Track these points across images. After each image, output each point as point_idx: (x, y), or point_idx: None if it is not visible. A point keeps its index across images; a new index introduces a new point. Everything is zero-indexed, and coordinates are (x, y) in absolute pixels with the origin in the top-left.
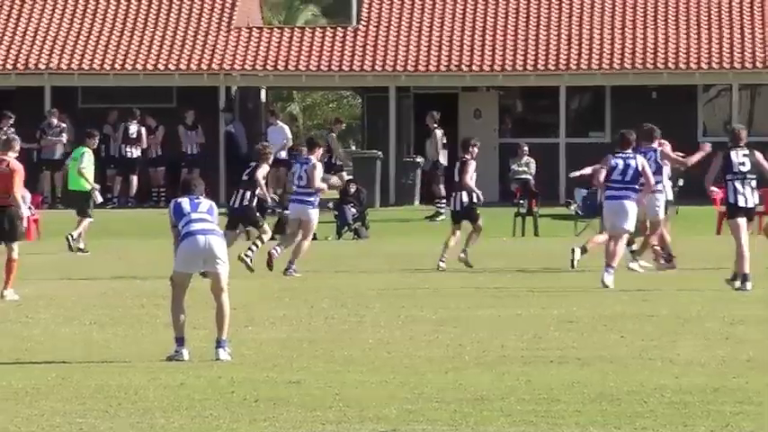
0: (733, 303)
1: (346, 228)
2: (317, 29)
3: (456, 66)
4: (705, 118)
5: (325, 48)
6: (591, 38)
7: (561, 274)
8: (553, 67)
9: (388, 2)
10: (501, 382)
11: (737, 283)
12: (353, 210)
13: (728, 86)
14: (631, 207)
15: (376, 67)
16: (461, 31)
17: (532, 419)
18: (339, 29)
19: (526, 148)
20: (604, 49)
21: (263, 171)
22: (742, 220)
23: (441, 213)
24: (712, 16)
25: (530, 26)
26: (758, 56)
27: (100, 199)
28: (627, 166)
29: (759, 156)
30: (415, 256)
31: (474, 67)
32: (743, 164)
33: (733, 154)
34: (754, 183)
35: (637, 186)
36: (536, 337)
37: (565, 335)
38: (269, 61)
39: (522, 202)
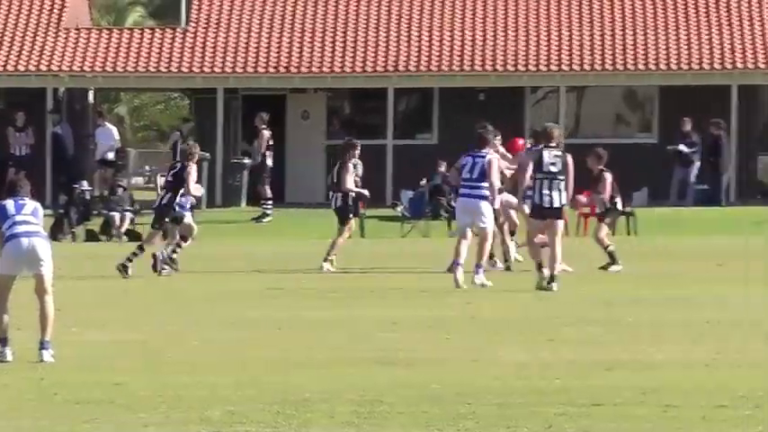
0: (556, 305)
1: None
2: (146, 30)
3: (284, 67)
4: (532, 120)
5: (153, 49)
6: (419, 39)
7: (387, 276)
8: (381, 69)
9: (218, 3)
10: (325, 383)
11: (546, 283)
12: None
13: (556, 88)
14: (485, 205)
15: (204, 69)
16: (290, 33)
17: (355, 421)
18: (168, 30)
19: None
20: (432, 51)
21: (192, 171)
22: (549, 222)
23: (267, 215)
24: (541, 18)
25: (359, 28)
26: (585, 58)
27: None
28: (474, 164)
29: (569, 159)
30: (242, 257)
31: (302, 69)
32: (553, 164)
33: (545, 153)
34: (562, 184)
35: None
36: (360, 338)
37: (389, 336)
38: (97, 62)
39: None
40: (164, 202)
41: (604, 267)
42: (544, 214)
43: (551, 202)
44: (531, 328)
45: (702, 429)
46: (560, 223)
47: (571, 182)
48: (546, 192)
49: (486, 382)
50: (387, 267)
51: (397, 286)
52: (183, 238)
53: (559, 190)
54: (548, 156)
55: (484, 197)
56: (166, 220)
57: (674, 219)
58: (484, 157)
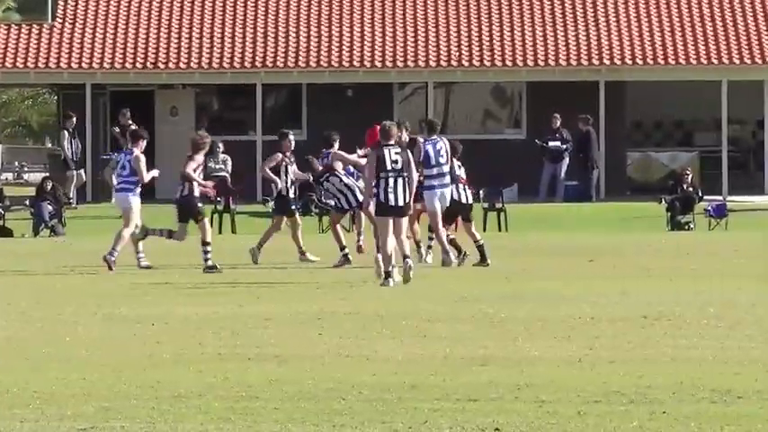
0: (428, 301)
1: (43, 225)
2: (12, 25)
3: (152, 63)
4: (401, 116)
5: (20, 44)
6: (287, 35)
7: (258, 271)
8: (249, 65)
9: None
10: (199, 379)
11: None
12: (50, 207)
13: (424, 84)
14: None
15: (72, 65)
16: (158, 28)
17: (230, 417)
18: (35, 25)
19: (221, 146)
20: (300, 47)
21: (193, 163)
22: (394, 219)
23: None
24: (407, 14)
25: (225, 23)
26: (453, 54)
27: None
28: (437, 151)
29: (410, 155)
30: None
31: (170, 65)
32: (395, 162)
33: (386, 152)
34: (406, 181)
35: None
36: (234, 335)
37: (263, 332)
38: None
39: (219, 199)
40: (184, 193)
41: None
42: (390, 212)
43: (396, 200)
44: (403, 325)
45: (578, 424)
46: (405, 220)
47: (414, 178)
48: (390, 189)
49: (359, 377)
50: (257, 263)
51: (267, 281)
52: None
53: (404, 187)
54: (389, 154)
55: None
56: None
57: (545, 215)
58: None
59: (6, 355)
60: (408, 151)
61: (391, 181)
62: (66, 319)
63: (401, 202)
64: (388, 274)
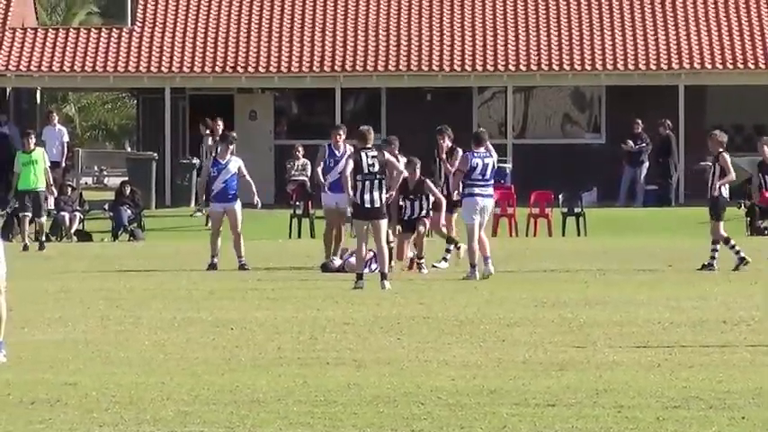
0: (508, 305)
1: (122, 229)
2: (92, 29)
3: (231, 67)
4: (480, 120)
5: (100, 49)
6: (366, 39)
7: (337, 276)
8: (328, 69)
9: (163, 3)
10: (277, 383)
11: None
12: (129, 211)
13: (503, 89)
14: (491, 204)
15: (151, 69)
16: (237, 32)
17: (309, 421)
18: (114, 30)
19: (301, 150)
20: (380, 51)
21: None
22: (371, 222)
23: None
24: (487, 18)
25: (305, 28)
26: (532, 58)
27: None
28: (485, 165)
29: (388, 156)
30: (191, 257)
31: (249, 69)
32: (372, 165)
33: (363, 155)
34: (383, 184)
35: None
36: (312, 339)
37: (341, 337)
38: (44, 62)
39: (298, 203)
40: None
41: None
42: (366, 215)
43: (372, 202)
44: (482, 329)
45: (657, 430)
46: (383, 222)
47: (393, 182)
48: (367, 193)
49: (437, 382)
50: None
51: (346, 286)
52: None
53: (380, 190)
54: (365, 158)
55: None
56: None
57: (624, 219)
58: (490, 157)
59: (86, 358)
60: (384, 153)
61: (368, 184)
62: (145, 323)
63: (377, 204)
64: (360, 276)
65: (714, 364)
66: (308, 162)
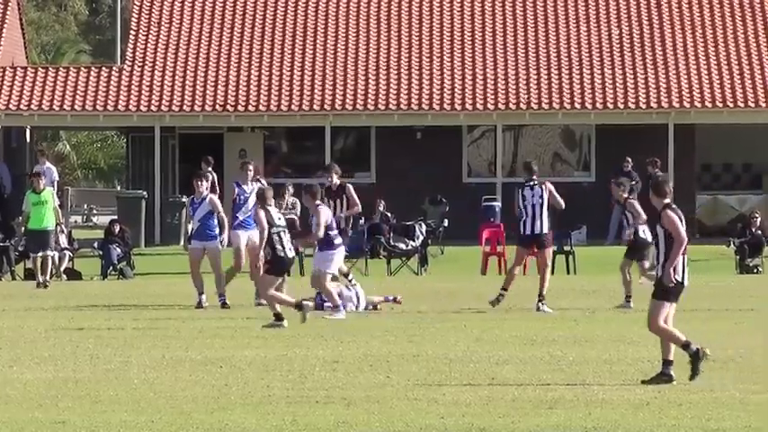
0: (497, 343)
1: (111, 268)
2: (82, 68)
3: (221, 106)
4: (469, 158)
5: (90, 87)
6: (356, 79)
7: (322, 314)
8: (318, 108)
9: (153, 42)
10: (266, 422)
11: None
12: (118, 250)
13: (493, 127)
14: None
15: (141, 108)
16: (227, 71)
17: None
18: (104, 68)
19: (291, 189)
20: (369, 90)
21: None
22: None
23: None
24: (476, 57)
25: (294, 67)
26: (522, 97)
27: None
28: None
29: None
30: (180, 295)
31: (239, 108)
32: (280, 218)
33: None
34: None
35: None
36: (301, 377)
37: (331, 375)
38: (33, 101)
39: None
40: None
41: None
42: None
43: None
44: (471, 367)
45: None
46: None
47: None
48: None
49: (427, 420)
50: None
51: (335, 325)
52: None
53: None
54: (274, 213)
55: None
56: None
57: (613, 257)
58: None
59: (75, 397)
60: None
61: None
62: (135, 362)
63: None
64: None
65: (703, 402)
66: (297, 201)
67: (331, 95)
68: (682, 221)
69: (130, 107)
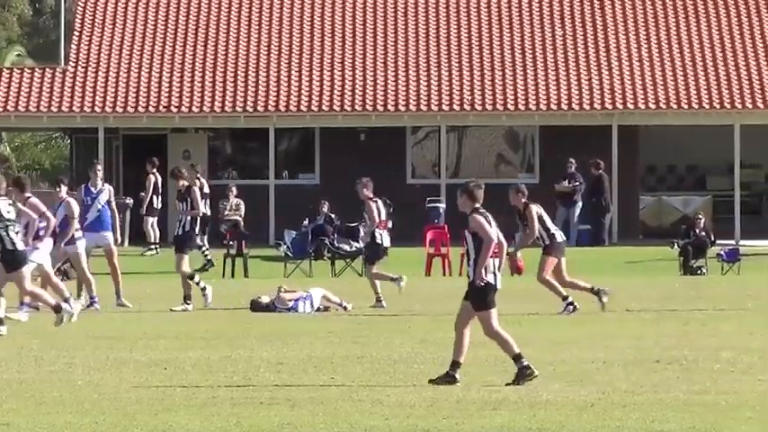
0: (441, 345)
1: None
2: (26, 69)
3: (165, 107)
4: (413, 160)
5: (33, 88)
6: (300, 79)
7: (270, 316)
8: (262, 109)
9: (97, 43)
10: (211, 423)
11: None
12: None
13: (437, 128)
14: None
15: (84, 109)
16: (170, 72)
17: None
18: (48, 70)
19: (235, 190)
20: (313, 91)
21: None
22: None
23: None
24: (420, 58)
25: (238, 68)
26: (466, 98)
27: None
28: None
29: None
30: (126, 297)
31: (183, 109)
32: (8, 212)
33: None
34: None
35: None
36: (246, 379)
37: (275, 376)
38: None
39: (232, 243)
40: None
41: None
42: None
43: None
44: (415, 369)
45: None
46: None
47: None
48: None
49: (371, 421)
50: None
51: (279, 326)
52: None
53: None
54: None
55: None
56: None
57: None
58: None
59: (19, 398)
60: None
61: (2, 232)
62: (79, 363)
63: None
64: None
65: (647, 403)
66: (241, 202)
67: (275, 97)
68: (490, 224)
69: (74, 108)
